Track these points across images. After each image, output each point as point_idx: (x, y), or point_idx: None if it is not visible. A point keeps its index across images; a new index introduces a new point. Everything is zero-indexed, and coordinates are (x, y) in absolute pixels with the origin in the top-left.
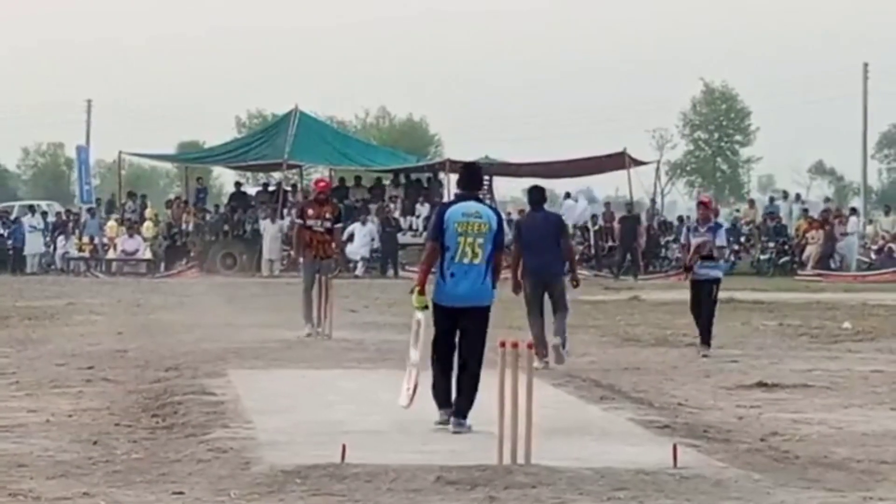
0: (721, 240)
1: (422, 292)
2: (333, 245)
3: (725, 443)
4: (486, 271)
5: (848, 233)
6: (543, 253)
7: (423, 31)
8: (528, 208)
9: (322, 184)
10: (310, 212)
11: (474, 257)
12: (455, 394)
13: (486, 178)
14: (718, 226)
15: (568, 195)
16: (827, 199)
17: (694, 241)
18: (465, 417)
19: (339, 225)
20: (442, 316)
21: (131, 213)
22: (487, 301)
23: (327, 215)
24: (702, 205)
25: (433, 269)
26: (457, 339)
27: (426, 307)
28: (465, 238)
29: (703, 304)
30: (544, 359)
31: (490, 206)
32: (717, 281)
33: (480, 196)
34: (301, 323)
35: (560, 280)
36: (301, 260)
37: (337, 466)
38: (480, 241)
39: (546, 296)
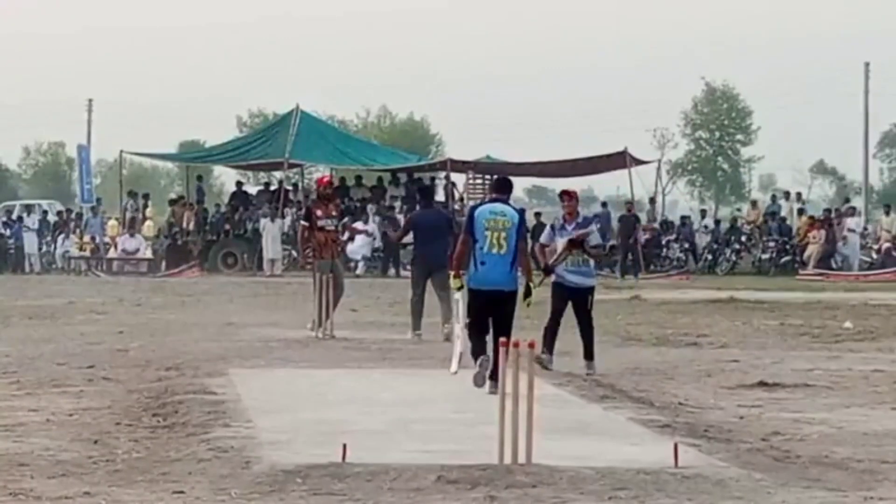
0: (596, 237)
1: (457, 276)
2: (339, 243)
3: (726, 442)
4: (513, 262)
5: (851, 230)
6: (432, 243)
7: (425, 30)
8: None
9: (326, 179)
10: (318, 212)
11: (500, 248)
12: (492, 365)
13: (487, 177)
14: (588, 220)
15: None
16: (833, 210)
17: (561, 242)
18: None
19: (346, 220)
20: (475, 299)
21: (134, 212)
22: (513, 286)
23: (333, 213)
24: (566, 195)
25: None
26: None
27: (461, 287)
28: (493, 233)
29: (579, 316)
30: (417, 331)
31: (514, 207)
32: (592, 290)
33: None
34: (305, 323)
35: (444, 270)
36: (314, 262)
37: (338, 466)
38: (505, 235)
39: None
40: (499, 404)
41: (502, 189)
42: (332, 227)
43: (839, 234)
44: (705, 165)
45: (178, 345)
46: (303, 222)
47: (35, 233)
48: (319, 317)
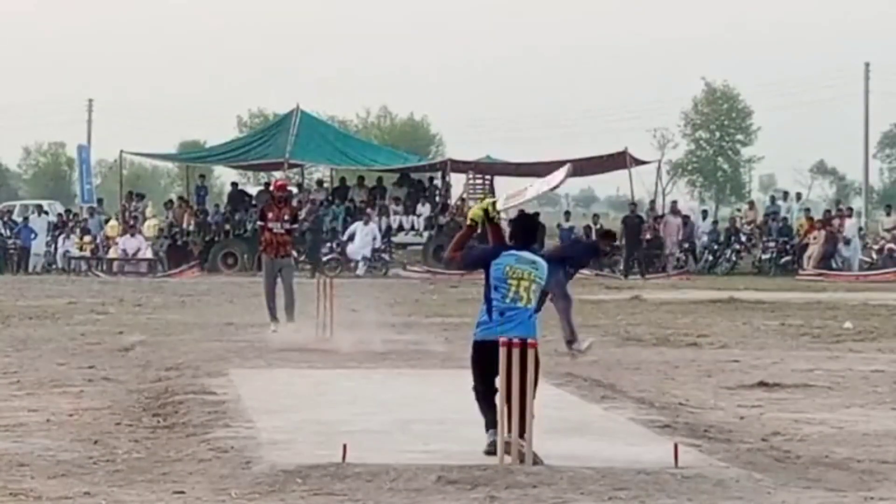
0: None
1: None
2: (289, 246)
3: (726, 442)
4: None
5: (849, 238)
6: (282, 246)
7: (425, 30)
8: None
9: (279, 184)
10: (269, 214)
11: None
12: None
13: (487, 177)
14: None
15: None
16: (835, 208)
17: None
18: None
19: (296, 226)
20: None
21: (135, 213)
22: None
23: (286, 217)
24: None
25: None
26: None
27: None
28: (520, 282)
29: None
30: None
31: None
32: None
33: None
34: (306, 324)
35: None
36: (263, 259)
37: (338, 466)
38: (535, 286)
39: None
40: (499, 405)
41: (522, 235)
42: (281, 231)
43: (840, 237)
44: (705, 166)
45: (179, 345)
46: (259, 222)
47: (42, 233)
48: (271, 312)
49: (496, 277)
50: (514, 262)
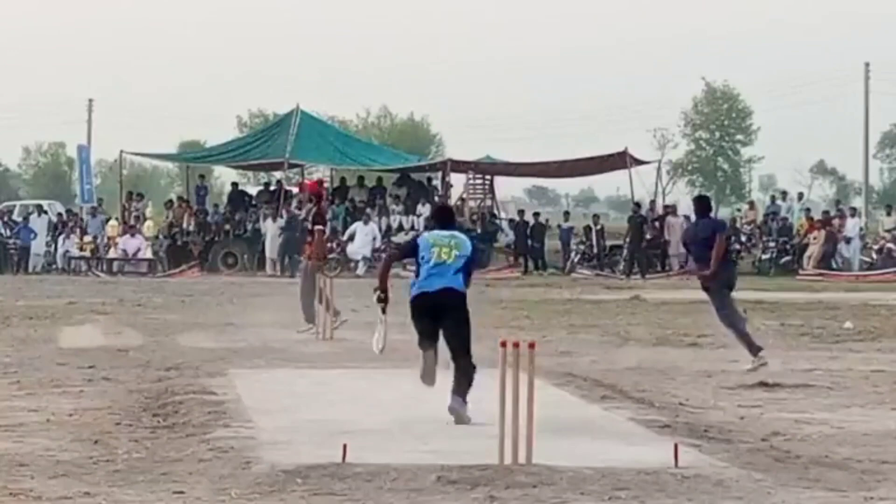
0: None
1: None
2: (307, 247)
3: (727, 442)
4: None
5: (850, 237)
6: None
7: (425, 30)
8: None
9: (307, 184)
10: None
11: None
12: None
13: (487, 177)
14: None
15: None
16: (835, 208)
17: None
18: None
19: (319, 227)
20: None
21: (136, 213)
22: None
23: (308, 217)
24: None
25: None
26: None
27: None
28: (441, 248)
29: None
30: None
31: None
32: None
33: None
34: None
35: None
36: None
37: (338, 466)
38: (457, 252)
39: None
40: (499, 404)
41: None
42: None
43: (840, 237)
44: (705, 166)
45: (179, 345)
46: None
47: (42, 233)
48: (303, 310)
49: (424, 249)
50: (434, 237)
